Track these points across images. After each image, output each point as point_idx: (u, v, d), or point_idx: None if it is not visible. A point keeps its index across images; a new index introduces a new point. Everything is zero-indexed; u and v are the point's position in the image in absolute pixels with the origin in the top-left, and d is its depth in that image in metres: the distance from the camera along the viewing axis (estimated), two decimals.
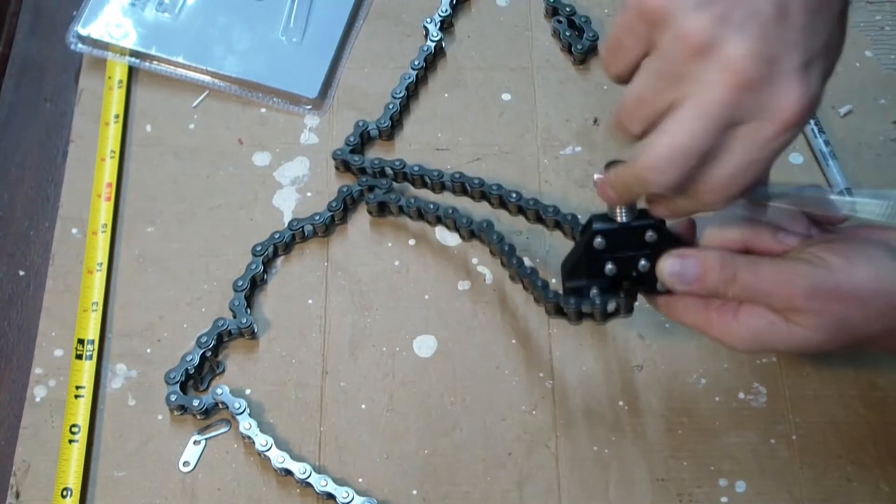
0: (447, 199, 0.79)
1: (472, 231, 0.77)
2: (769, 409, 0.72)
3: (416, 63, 0.85)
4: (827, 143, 0.81)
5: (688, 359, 0.74)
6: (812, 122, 0.82)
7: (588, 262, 0.64)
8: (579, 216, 0.77)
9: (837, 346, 0.61)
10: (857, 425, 0.72)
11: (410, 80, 0.84)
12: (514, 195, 0.77)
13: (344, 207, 0.79)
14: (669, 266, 0.62)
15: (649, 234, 0.63)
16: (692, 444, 0.71)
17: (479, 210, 0.79)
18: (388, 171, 0.79)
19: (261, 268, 0.76)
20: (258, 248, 0.77)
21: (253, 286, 0.76)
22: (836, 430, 0.71)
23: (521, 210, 0.78)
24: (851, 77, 0.85)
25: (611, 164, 0.60)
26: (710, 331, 0.63)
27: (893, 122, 0.83)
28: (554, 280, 0.75)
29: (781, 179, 0.81)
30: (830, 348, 0.61)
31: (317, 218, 0.78)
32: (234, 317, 0.75)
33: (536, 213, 0.77)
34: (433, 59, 0.86)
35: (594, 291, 0.65)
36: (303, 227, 0.78)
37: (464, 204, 0.79)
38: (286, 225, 0.78)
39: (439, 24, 0.87)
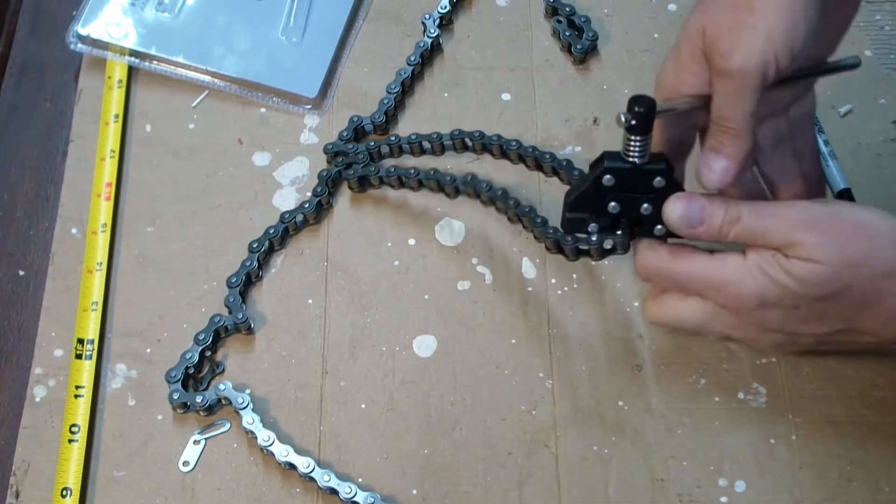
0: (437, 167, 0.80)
1: (456, 188, 0.77)
2: (769, 409, 0.72)
3: (413, 59, 0.84)
4: (827, 142, 0.81)
5: (688, 359, 0.74)
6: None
7: (593, 197, 0.65)
8: (574, 162, 0.78)
9: (843, 285, 0.59)
10: (857, 425, 0.71)
11: (406, 75, 0.84)
12: (513, 143, 0.79)
13: (328, 192, 0.79)
14: (678, 208, 0.63)
15: (657, 180, 0.64)
16: (692, 444, 0.71)
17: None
18: (385, 148, 0.80)
19: (255, 264, 0.76)
20: (254, 245, 0.77)
21: (248, 282, 0.76)
22: (836, 430, 0.71)
23: (521, 158, 0.80)
24: (851, 77, 0.84)
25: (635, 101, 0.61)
26: (710, 274, 0.63)
27: (893, 121, 0.83)
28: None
29: None
30: (836, 286, 0.59)
31: (305, 206, 0.78)
32: (230, 313, 0.75)
33: (535, 160, 0.79)
34: (430, 55, 0.86)
35: (593, 226, 0.66)
36: (294, 217, 0.78)
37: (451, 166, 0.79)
38: (278, 219, 0.78)
39: (438, 20, 0.86)
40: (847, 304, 0.60)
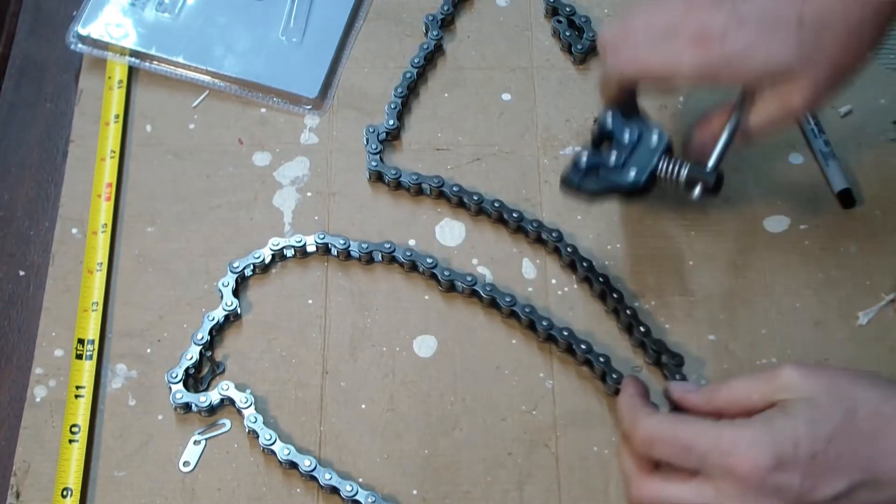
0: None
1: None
2: None
3: (416, 61, 0.85)
4: (827, 143, 0.81)
5: (687, 359, 0.74)
6: (812, 122, 0.82)
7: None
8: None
9: (847, 410, 0.59)
10: None
11: (412, 78, 0.84)
12: (554, 233, 0.77)
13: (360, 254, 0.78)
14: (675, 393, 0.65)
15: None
16: None
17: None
18: (426, 188, 0.79)
19: (264, 260, 0.76)
20: (276, 242, 0.77)
21: (249, 274, 0.77)
22: None
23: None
24: None
25: None
26: (719, 435, 0.59)
27: (893, 121, 0.83)
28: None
29: (781, 180, 0.81)
30: (840, 412, 0.58)
31: (343, 243, 0.77)
32: (221, 297, 0.75)
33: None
34: (432, 57, 0.86)
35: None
36: (324, 243, 0.77)
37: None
38: (313, 235, 0.77)
39: (440, 21, 0.86)
40: (860, 440, 0.58)
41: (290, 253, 0.77)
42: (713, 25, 0.65)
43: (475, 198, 0.78)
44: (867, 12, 0.64)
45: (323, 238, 0.77)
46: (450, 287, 0.76)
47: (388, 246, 0.77)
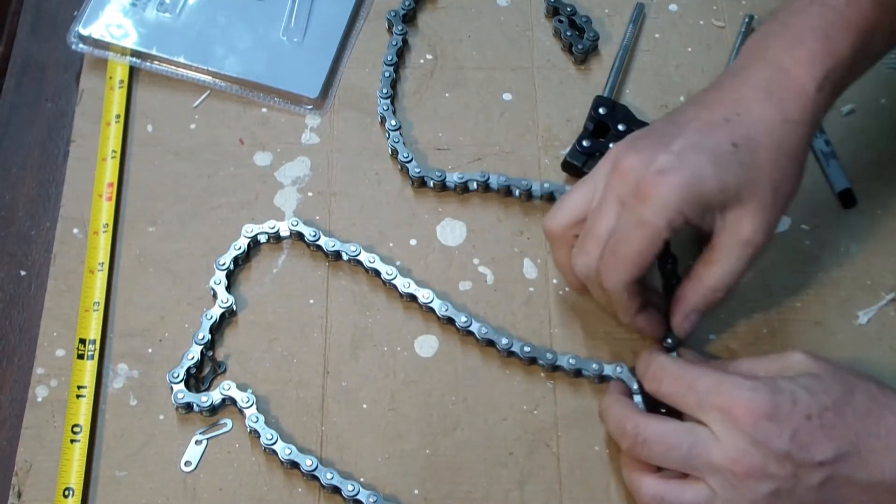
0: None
1: None
2: None
3: (390, 59, 0.85)
4: (827, 142, 0.81)
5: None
6: None
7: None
8: None
9: (846, 389, 0.63)
10: None
11: (391, 77, 0.84)
12: None
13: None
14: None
15: None
16: None
17: None
18: (472, 185, 0.79)
19: (244, 249, 0.77)
20: (248, 230, 0.77)
21: (235, 265, 0.77)
22: None
23: None
24: None
25: None
26: (724, 376, 0.64)
27: None
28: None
29: None
30: (840, 385, 0.63)
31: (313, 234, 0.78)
32: (214, 296, 0.75)
33: None
34: (402, 52, 0.86)
35: None
36: (301, 233, 0.78)
37: None
38: (286, 221, 0.78)
39: (402, 17, 0.87)
40: (853, 416, 0.61)
41: (263, 238, 0.78)
42: (662, 161, 0.65)
43: (524, 183, 0.79)
44: (788, 130, 0.65)
45: (296, 224, 0.77)
46: (411, 298, 0.76)
47: (354, 250, 0.77)
